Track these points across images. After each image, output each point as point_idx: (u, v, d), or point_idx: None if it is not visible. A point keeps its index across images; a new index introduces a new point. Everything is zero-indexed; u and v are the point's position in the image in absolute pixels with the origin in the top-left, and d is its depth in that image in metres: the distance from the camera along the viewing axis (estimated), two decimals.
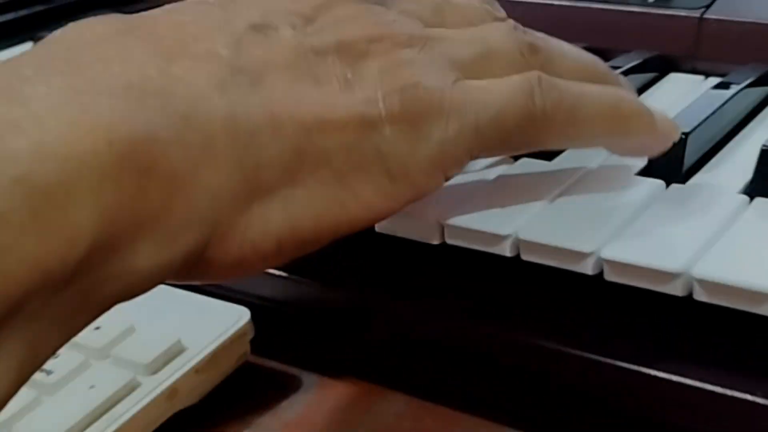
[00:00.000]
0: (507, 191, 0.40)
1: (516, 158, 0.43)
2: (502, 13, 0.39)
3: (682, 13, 0.53)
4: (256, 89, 0.30)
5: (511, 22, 0.38)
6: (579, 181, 0.40)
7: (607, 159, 0.43)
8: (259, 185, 0.30)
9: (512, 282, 0.39)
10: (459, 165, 0.34)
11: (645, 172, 0.41)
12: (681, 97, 0.50)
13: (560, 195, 0.39)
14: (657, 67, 0.53)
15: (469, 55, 0.35)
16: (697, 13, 0.53)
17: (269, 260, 0.31)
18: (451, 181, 0.36)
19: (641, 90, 0.51)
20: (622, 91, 0.38)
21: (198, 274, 0.30)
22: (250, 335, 0.42)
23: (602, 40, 0.55)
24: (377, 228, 0.40)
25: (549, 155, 0.43)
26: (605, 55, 0.54)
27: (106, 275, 0.26)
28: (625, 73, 0.50)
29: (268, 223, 0.30)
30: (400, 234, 0.39)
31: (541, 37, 0.37)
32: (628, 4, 0.55)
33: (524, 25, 0.55)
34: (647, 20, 0.54)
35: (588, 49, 0.52)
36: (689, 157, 0.41)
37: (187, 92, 0.29)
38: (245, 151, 0.29)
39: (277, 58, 0.31)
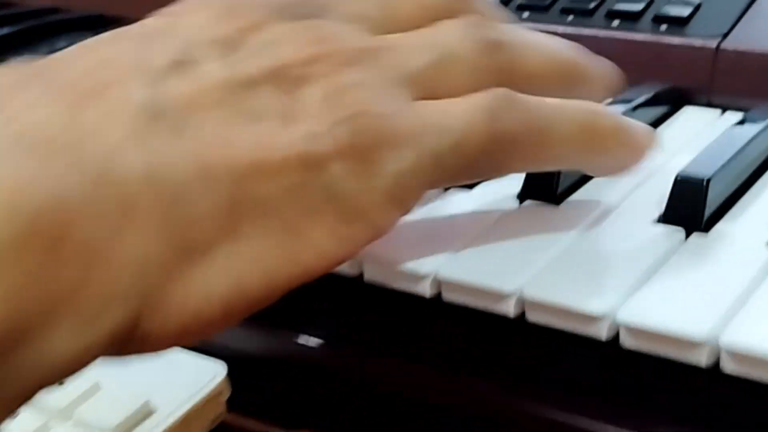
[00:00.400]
0: (509, 239, 0.36)
1: (521, 200, 0.39)
2: None
3: (697, 42, 0.50)
4: (179, 136, 0.27)
5: (473, 15, 0.34)
6: (589, 229, 0.37)
7: (620, 202, 0.39)
8: (193, 246, 0.26)
9: (504, 341, 0.35)
10: (418, 198, 0.30)
11: (662, 219, 0.38)
12: (696, 134, 0.46)
13: (569, 244, 0.36)
14: (670, 100, 0.49)
15: (423, 65, 0.31)
16: (713, 43, 0.49)
17: (217, 325, 0.28)
18: (442, 217, 0.32)
19: (653, 125, 0.47)
20: (594, 105, 0.35)
21: (135, 348, 0.26)
22: (227, 394, 0.38)
23: None
24: (366, 278, 0.36)
25: (555, 198, 0.39)
26: None
27: (18, 365, 0.23)
28: (636, 107, 0.46)
29: (209, 286, 0.27)
30: (391, 286, 0.36)
31: (507, 31, 0.34)
32: (638, 31, 0.51)
33: None
34: (659, 50, 0.50)
35: None
36: (710, 204, 0.37)
37: (99, 146, 0.25)
38: (172, 210, 0.26)
39: (203, 97, 0.28)
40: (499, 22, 0.34)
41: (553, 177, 0.39)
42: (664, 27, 0.51)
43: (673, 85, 0.49)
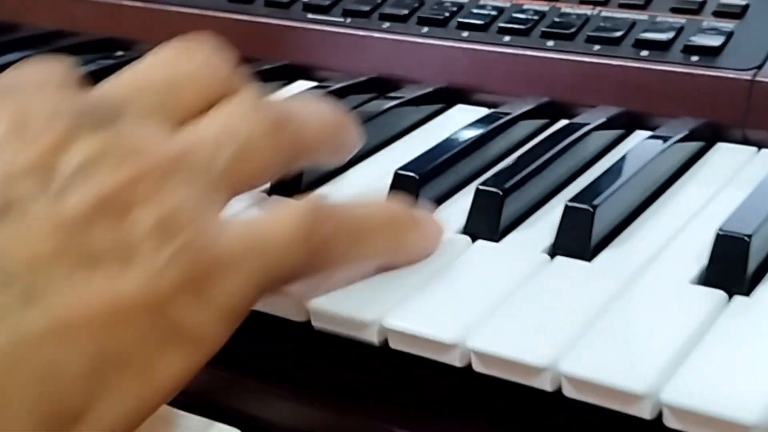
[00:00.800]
0: (541, 302, 0.35)
1: (552, 255, 0.38)
2: (229, 65, 0.37)
3: (731, 74, 0.48)
4: (32, 303, 0.27)
5: (249, 93, 0.36)
6: (625, 292, 0.35)
7: (655, 257, 0.37)
8: (67, 416, 0.27)
9: (543, 415, 0.34)
10: (248, 311, 0.32)
11: (701, 280, 0.36)
12: (731, 174, 0.44)
13: (605, 309, 0.34)
14: (703, 136, 0.47)
15: (228, 159, 0.33)
16: (748, 75, 0.47)
17: None
18: (468, 269, 0.35)
19: (687, 163, 0.45)
20: (391, 203, 0.38)
21: None
22: None
23: (640, 102, 0.49)
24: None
25: (588, 254, 0.37)
26: (644, 120, 0.49)
27: None
28: (667, 141, 0.44)
29: None
30: (418, 353, 0.34)
31: (283, 109, 0.36)
32: (668, 62, 0.49)
33: (552, 83, 0.51)
34: (691, 81, 0.48)
35: (625, 113, 0.48)
36: (752, 262, 0.35)
37: None
38: (40, 386, 0.26)
39: (42, 248, 0.28)
40: (264, 98, 0.36)
41: (586, 231, 0.38)
42: (695, 58, 0.49)
43: (706, 120, 0.47)
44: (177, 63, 0.36)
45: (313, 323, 0.36)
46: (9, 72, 0.35)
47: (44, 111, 0.30)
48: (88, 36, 0.66)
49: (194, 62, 0.36)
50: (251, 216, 0.34)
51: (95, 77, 0.57)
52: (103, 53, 0.65)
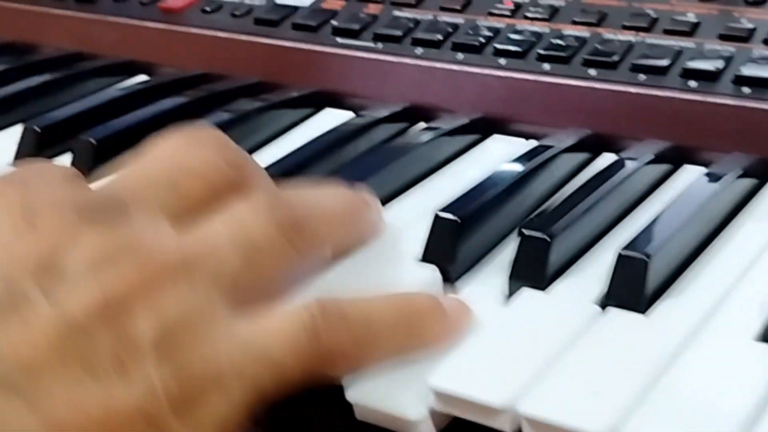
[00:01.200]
0: (598, 364, 0.32)
1: (604, 306, 0.35)
2: (237, 156, 0.35)
3: None
4: (32, 405, 0.27)
5: (262, 190, 0.34)
6: (685, 350, 0.33)
7: (715, 310, 0.35)
8: None
9: None
10: (246, 423, 0.30)
11: (765, 336, 0.33)
12: None
13: (665, 369, 0.32)
14: (757, 173, 0.45)
15: (236, 267, 0.32)
16: None
17: None
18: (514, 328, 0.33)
19: (740, 204, 0.43)
20: (410, 293, 0.35)
21: None
22: None
23: (688, 136, 0.47)
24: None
25: (644, 306, 0.35)
26: (693, 155, 0.46)
27: None
28: (721, 180, 0.42)
29: None
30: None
31: (296, 205, 0.35)
32: (719, 94, 0.47)
33: (594, 114, 0.49)
34: (743, 114, 0.46)
35: (673, 148, 0.46)
36: None
37: None
38: None
39: (44, 350, 0.28)
40: (278, 192, 0.35)
41: (640, 281, 0.35)
42: (746, 90, 0.46)
43: (760, 157, 0.45)
44: (184, 156, 0.34)
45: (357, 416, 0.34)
46: (17, 167, 0.35)
47: (50, 203, 0.30)
48: (109, 59, 0.64)
49: (201, 153, 0.34)
50: (255, 316, 0.32)
51: (117, 104, 0.56)
52: (124, 77, 0.63)
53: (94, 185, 0.33)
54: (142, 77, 0.63)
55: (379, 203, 0.41)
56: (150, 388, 0.28)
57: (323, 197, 0.37)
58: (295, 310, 0.31)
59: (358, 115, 0.53)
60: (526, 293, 0.37)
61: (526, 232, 0.38)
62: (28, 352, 0.27)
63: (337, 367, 0.32)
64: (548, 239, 0.37)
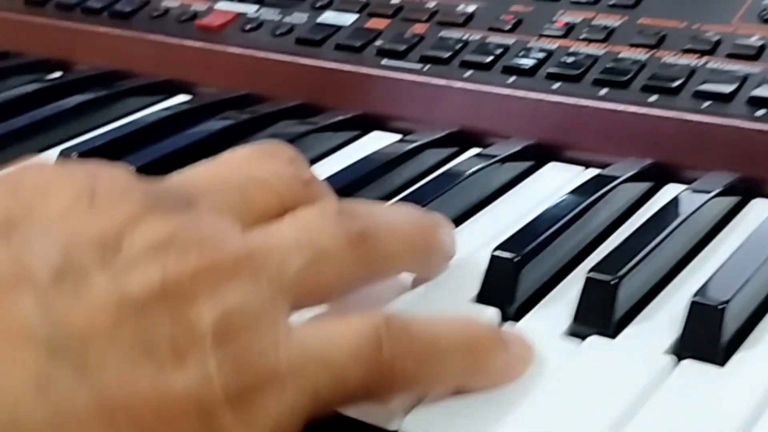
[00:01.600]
0: (674, 424, 0.30)
1: (677, 355, 0.33)
2: (307, 173, 0.35)
3: None
4: (82, 374, 0.26)
5: (330, 202, 0.34)
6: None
7: None
8: None
9: None
10: (298, 428, 0.29)
11: None
12: None
13: (745, 429, 0.30)
14: None
15: (298, 268, 0.31)
16: None
17: None
18: (585, 387, 0.32)
19: None
20: (473, 321, 0.34)
21: None
22: None
23: (756, 168, 0.45)
24: None
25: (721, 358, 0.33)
26: (762, 188, 0.44)
27: None
28: None
29: None
30: None
31: (366, 218, 0.34)
32: (730, 116, 0.44)
33: (655, 143, 0.47)
34: (755, 139, 0.44)
35: (741, 180, 0.44)
36: None
37: (3, 397, 0.25)
38: None
39: (99, 322, 0.27)
40: (349, 205, 0.34)
41: (716, 331, 0.33)
42: (760, 112, 0.44)
43: None
44: (255, 164, 0.34)
45: None
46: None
47: (119, 188, 0.30)
48: (146, 78, 0.63)
49: (273, 165, 0.34)
50: (317, 322, 0.31)
51: (156, 127, 0.54)
52: (163, 96, 0.62)
53: (164, 179, 0.33)
54: (181, 97, 0.61)
55: (453, 228, 0.39)
56: (206, 377, 0.27)
57: (395, 216, 0.36)
58: (359, 319, 0.30)
59: (404, 140, 0.52)
60: (594, 341, 0.35)
61: (592, 276, 0.36)
62: (83, 321, 0.27)
63: (396, 384, 0.31)
64: (616, 283, 0.35)
